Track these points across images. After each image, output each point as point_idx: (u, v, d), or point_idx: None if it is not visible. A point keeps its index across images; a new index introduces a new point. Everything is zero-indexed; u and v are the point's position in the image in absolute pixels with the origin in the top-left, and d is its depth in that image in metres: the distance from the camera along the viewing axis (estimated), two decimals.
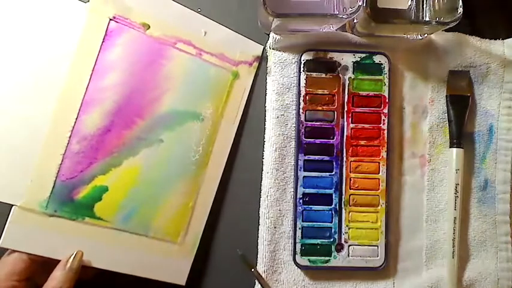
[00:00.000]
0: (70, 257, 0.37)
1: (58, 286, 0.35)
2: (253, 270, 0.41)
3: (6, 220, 0.37)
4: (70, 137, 0.38)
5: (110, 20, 0.39)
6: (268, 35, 0.43)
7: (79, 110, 0.38)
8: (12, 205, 0.37)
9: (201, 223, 0.41)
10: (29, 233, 0.37)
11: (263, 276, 0.41)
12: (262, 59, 0.44)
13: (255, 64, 0.44)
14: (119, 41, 0.39)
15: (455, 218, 0.42)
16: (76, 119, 0.38)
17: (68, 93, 0.38)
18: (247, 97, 0.43)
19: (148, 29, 0.40)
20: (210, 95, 0.42)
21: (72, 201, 0.38)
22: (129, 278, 0.39)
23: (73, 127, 0.38)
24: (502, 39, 0.45)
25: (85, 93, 0.38)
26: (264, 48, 0.44)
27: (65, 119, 0.38)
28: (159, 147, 0.40)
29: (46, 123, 0.38)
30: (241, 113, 0.43)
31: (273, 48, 0.43)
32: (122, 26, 0.39)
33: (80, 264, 0.37)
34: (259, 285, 0.41)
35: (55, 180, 0.38)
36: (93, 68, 0.39)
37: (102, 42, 0.39)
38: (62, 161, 0.38)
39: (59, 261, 0.37)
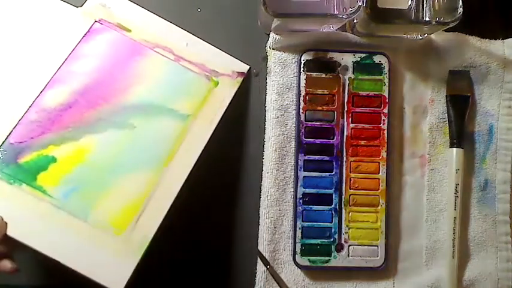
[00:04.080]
0: None
1: None
2: (268, 267, 0.41)
3: None
4: (30, 106, 0.39)
5: (96, 21, 0.42)
6: (268, 35, 0.43)
7: (46, 85, 0.39)
8: None
9: (154, 224, 0.37)
10: None
11: (264, 276, 0.41)
12: (262, 59, 0.44)
13: (239, 79, 0.43)
14: (99, 37, 0.41)
15: (455, 218, 0.42)
16: (41, 92, 0.39)
17: (39, 70, 0.39)
18: (247, 99, 0.43)
19: (129, 32, 0.42)
20: (185, 95, 0.41)
21: (15, 163, 0.37)
22: None
23: (36, 99, 0.39)
24: (502, 39, 0.45)
25: (55, 73, 0.40)
26: (249, 68, 0.43)
27: (30, 91, 0.39)
28: (128, 132, 0.39)
29: (11, 94, 0.39)
30: (217, 120, 0.41)
31: (273, 48, 0.43)
32: (105, 27, 0.42)
33: (2, 232, 0.34)
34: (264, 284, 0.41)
35: (4, 141, 0.37)
36: (70, 54, 0.40)
37: (84, 36, 0.41)
38: (15, 126, 0.38)
39: None
